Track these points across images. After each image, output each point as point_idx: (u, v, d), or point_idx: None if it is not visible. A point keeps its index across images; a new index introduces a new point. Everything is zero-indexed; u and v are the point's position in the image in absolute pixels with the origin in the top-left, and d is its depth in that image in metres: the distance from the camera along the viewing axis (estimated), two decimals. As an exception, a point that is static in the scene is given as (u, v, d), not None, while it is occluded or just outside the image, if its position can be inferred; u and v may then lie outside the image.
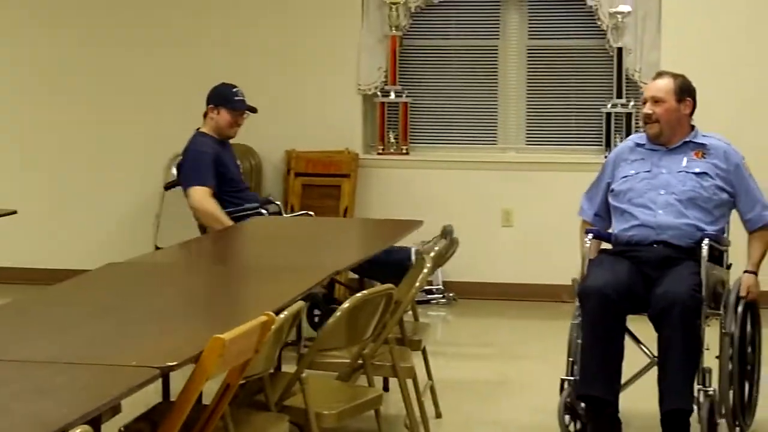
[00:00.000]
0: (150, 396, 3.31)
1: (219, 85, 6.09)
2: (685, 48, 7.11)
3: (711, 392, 4.24)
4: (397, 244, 5.52)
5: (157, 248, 7.04)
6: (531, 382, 5.51)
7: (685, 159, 4.60)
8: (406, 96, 7.59)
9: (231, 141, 6.10)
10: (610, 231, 4.68)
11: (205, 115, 6.00)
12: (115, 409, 2.95)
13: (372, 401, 3.83)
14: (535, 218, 7.35)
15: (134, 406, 3.19)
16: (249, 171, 7.28)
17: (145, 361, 2.75)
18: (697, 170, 4.56)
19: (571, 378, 4.35)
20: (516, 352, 6.25)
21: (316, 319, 5.98)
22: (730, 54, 7.16)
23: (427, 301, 7.20)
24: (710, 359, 4.30)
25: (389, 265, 5.26)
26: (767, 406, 4.77)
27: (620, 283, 4.31)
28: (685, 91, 4.63)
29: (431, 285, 7.22)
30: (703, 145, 4.62)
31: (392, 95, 7.57)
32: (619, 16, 7.22)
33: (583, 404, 4.33)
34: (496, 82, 7.64)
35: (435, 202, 7.31)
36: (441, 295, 7.33)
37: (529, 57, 7.61)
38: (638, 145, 4.71)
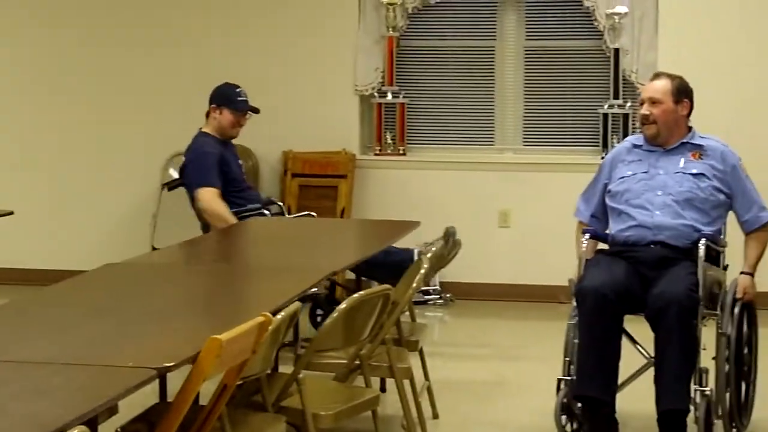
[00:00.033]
0: (147, 397, 3.31)
1: (222, 84, 6.09)
2: (682, 49, 7.12)
3: (708, 392, 4.24)
4: (400, 246, 5.52)
5: (154, 249, 7.04)
6: (528, 383, 5.51)
7: (682, 160, 4.60)
8: (403, 97, 7.59)
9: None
10: (607, 232, 4.68)
11: (208, 114, 6.00)
12: (112, 410, 2.94)
13: (369, 402, 3.84)
14: (533, 219, 7.36)
15: (131, 407, 3.18)
16: (246, 172, 7.27)
17: (142, 361, 2.75)
18: (695, 171, 4.56)
19: (568, 378, 4.35)
20: (513, 353, 6.25)
21: (319, 320, 5.98)
22: (727, 55, 7.17)
23: (425, 302, 7.20)
24: (707, 359, 4.30)
25: (392, 267, 5.26)
26: (764, 406, 4.78)
27: (617, 283, 4.31)
28: (682, 93, 4.63)
29: (428, 286, 7.23)
30: (700, 146, 4.62)
31: (389, 96, 7.57)
32: (616, 17, 7.23)
33: (579, 404, 4.33)
34: (493, 83, 7.65)
35: (432, 203, 7.32)
36: (438, 296, 7.33)
37: (526, 58, 7.61)
38: (635, 146, 4.71)
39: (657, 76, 4.75)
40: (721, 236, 4.62)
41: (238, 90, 6.02)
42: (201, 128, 6.02)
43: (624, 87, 7.31)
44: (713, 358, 4.35)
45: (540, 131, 7.64)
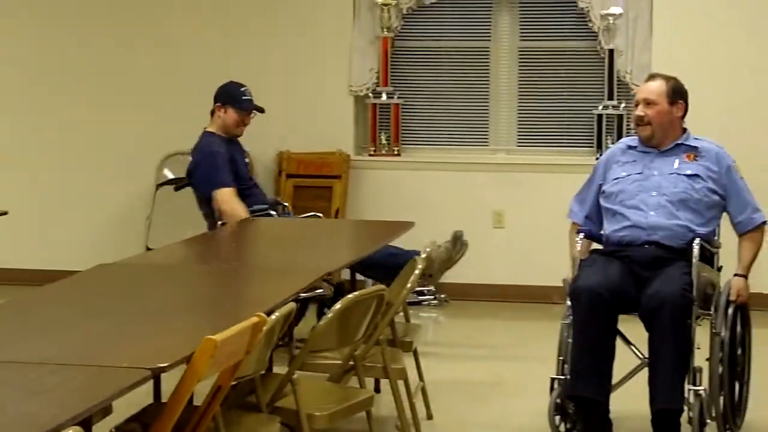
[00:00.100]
0: (141, 397, 3.30)
1: (227, 83, 6.08)
2: (676, 50, 7.12)
3: (701, 392, 4.25)
4: (407, 248, 5.52)
5: (149, 249, 7.03)
6: (523, 384, 5.51)
7: (676, 161, 4.61)
8: (398, 97, 7.59)
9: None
10: (601, 233, 4.69)
11: (213, 113, 6.00)
12: (107, 410, 2.94)
13: (363, 402, 3.84)
14: (527, 220, 7.36)
15: (125, 407, 3.19)
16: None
17: (137, 362, 2.75)
18: (689, 172, 4.57)
19: (562, 377, 4.36)
20: (507, 354, 6.25)
21: None
22: (721, 56, 7.17)
23: (419, 303, 7.20)
24: (701, 359, 4.31)
25: (397, 269, 5.24)
26: (757, 407, 4.79)
27: (612, 282, 4.32)
28: (677, 94, 4.64)
29: (423, 286, 7.22)
30: (695, 147, 4.63)
31: (384, 96, 7.57)
32: (610, 17, 7.23)
33: (573, 404, 4.33)
34: (487, 84, 7.65)
35: (427, 204, 7.32)
36: (432, 297, 7.33)
37: (520, 58, 7.62)
38: (630, 147, 4.72)
39: (652, 77, 4.75)
40: (716, 237, 4.62)
41: (243, 89, 6.01)
42: (206, 128, 6.01)
43: (618, 88, 7.31)
44: (707, 359, 4.36)
45: (534, 132, 7.64)
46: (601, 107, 7.34)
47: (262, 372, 3.44)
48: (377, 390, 4.91)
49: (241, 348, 2.97)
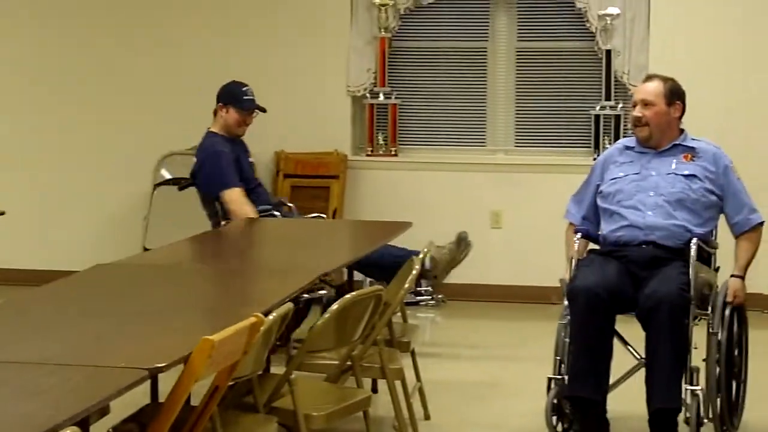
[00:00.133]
0: (139, 397, 3.31)
1: (229, 83, 6.09)
2: (674, 50, 7.13)
3: (698, 391, 4.25)
4: (411, 248, 5.51)
5: (146, 250, 7.03)
6: (520, 384, 5.51)
7: (674, 162, 4.61)
8: (395, 98, 7.59)
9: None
10: (598, 233, 4.69)
11: (215, 113, 6.00)
12: (104, 411, 2.94)
13: (361, 403, 3.84)
14: (524, 220, 7.36)
15: (123, 408, 3.18)
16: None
17: (134, 362, 2.75)
18: (686, 173, 4.58)
19: (559, 377, 4.36)
20: (504, 354, 6.25)
21: None
22: (718, 56, 7.18)
23: (416, 303, 7.20)
24: (698, 359, 4.31)
25: (395, 269, 5.24)
26: (754, 407, 4.79)
27: (609, 282, 4.32)
28: (675, 95, 4.64)
29: (420, 287, 7.22)
30: (692, 148, 4.64)
31: (381, 97, 7.57)
32: (607, 18, 7.24)
33: (570, 404, 4.34)
34: (485, 84, 7.65)
35: (424, 204, 7.32)
36: (430, 297, 7.33)
37: (517, 59, 7.62)
38: (628, 147, 4.72)
39: (649, 78, 4.76)
40: (713, 238, 4.63)
41: (244, 89, 6.01)
42: (209, 128, 6.01)
43: (615, 88, 7.32)
44: (704, 360, 4.36)
45: (532, 132, 7.64)
46: (598, 108, 7.35)
47: (260, 372, 3.44)
48: (374, 390, 4.91)
49: (239, 348, 2.97)
